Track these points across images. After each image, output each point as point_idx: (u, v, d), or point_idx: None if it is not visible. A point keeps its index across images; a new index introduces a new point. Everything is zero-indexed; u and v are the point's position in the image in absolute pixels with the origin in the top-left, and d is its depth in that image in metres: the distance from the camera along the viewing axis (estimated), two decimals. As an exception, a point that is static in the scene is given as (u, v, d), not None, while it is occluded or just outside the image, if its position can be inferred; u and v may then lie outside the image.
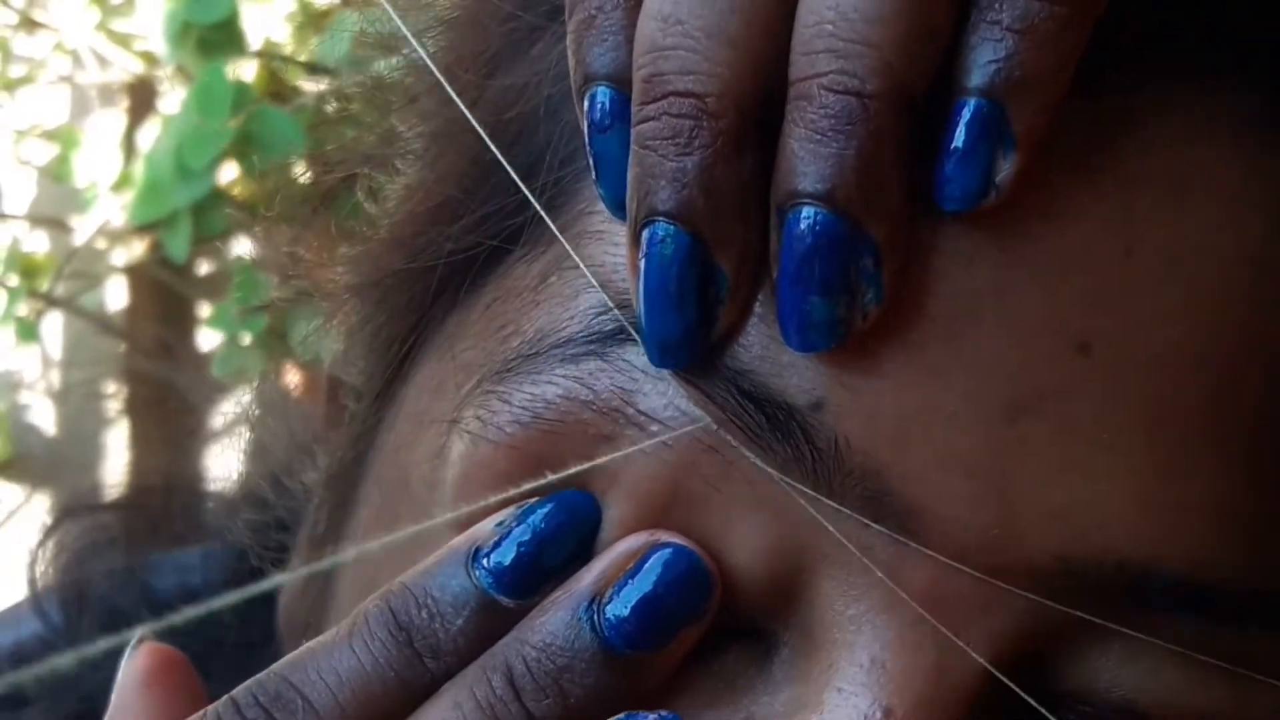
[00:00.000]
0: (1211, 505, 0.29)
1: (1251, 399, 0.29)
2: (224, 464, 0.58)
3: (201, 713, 0.30)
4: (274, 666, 0.30)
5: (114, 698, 0.35)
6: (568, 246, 0.31)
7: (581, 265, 0.31)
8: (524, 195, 0.33)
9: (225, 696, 0.30)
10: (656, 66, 0.27)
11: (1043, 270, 0.28)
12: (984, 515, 0.28)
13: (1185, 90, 0.30)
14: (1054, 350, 0.28)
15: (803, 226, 0.27)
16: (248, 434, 0.59)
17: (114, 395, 1.55)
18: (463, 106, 0.32)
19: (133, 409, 1.51)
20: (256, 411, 0.55)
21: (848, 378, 0.28)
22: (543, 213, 0.31)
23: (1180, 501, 0.29)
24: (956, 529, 0.28)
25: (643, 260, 0.28)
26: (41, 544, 0.54)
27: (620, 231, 0.30)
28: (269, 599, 0.44)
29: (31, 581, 0.53)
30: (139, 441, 1.48)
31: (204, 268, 1.52)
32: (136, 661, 0.35)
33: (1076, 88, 0.28)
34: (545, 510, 0.30)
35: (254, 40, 1.37)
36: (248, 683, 0.30)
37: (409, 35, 0.35)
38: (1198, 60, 0.30)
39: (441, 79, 0.33)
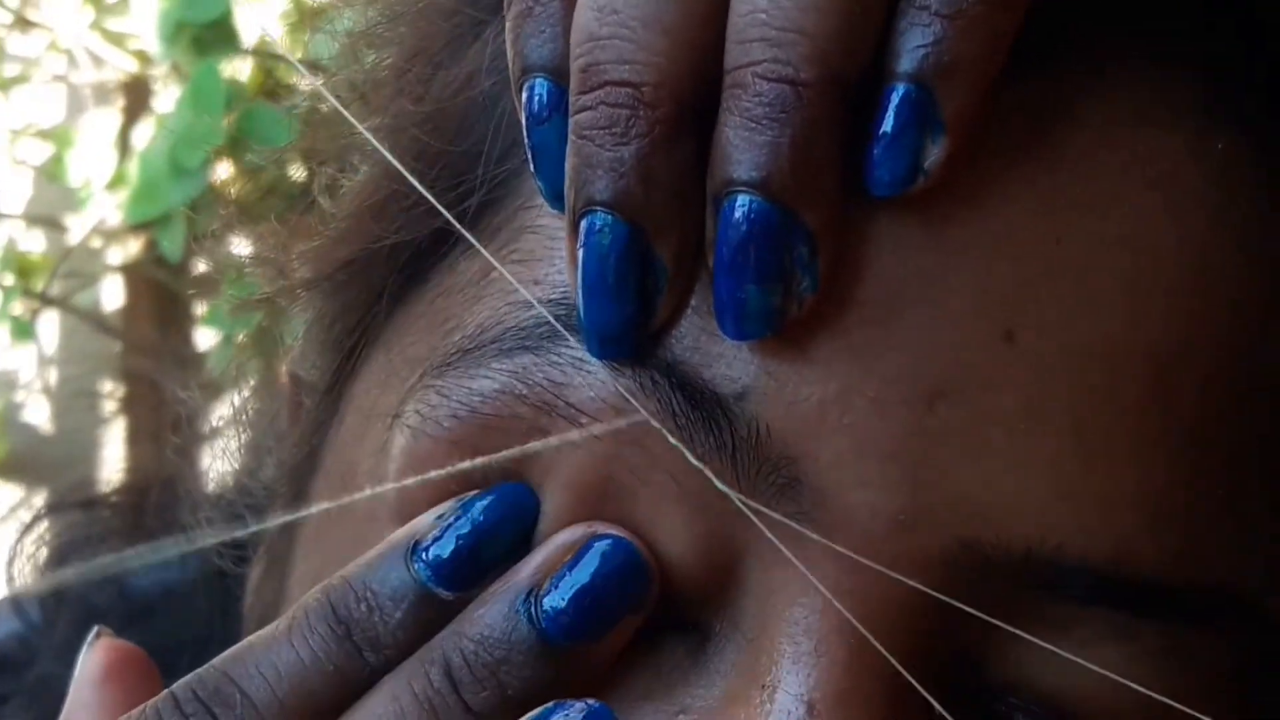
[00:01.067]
0: (1139, 498, 0.29)
1: (1191, 390, 0.29)
2: (214, 463, 0.58)
3: (141, 708, 0.30)
4: (214, 661, 0.30)
5: (71, 692, 0.35)
6: (485, 252, 0.31)
7: (499, 267, 0.31)
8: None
9: (165, 691, 0.30)
10: (593, 56, 0.28)
11: (970, 257, 0.28)
12: (895, 501, 0.28)
13: (1122, 77, 0.30)
14: (978, 338, 0.28)
15: (738, 215, 0.27)
16: (234, 433, 0.60)
17: (110, 394, 1.55)
18: (350, 116, 0.32)
19: (128, 407, 1.52)
20: (245, 411, 0.56)
21: (773, 366, 0.28)
22: (458, 226, 0.31)
23: (1103, 493, 0.28)
24: (866, 515, 0.28)
25: (581, 250, 0.28)
26: (20, 541, 0.55)
27: (559, 226, 0.31)
28: (241, 597, 0.45)
29: (10, 579, 0.54)
30: (134, 440, 1.49)
31: (199, 266, 1.52)
32: (94, 656, 0.35)
33: (1011, 74, 0.28)
34: (484, 503, 0.30)
35: (248, 39, 1.37)
36: (187, 678, 0.30)
37: (295, 62, 0.35)
38: (1136, 47, 0.30)
39: (329, 95, 0.33)
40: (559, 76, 0.29)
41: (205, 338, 1.54)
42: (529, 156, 0.30)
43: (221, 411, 0.59)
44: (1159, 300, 0.29)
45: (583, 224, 0.28)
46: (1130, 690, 0.29)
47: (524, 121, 0.29)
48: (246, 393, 0.58)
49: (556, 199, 0.29)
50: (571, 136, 0.28)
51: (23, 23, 1.52)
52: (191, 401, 0.58)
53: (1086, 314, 0.29)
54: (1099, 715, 0.30)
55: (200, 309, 1.55)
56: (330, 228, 0.37)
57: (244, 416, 0.53)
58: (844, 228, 0.28)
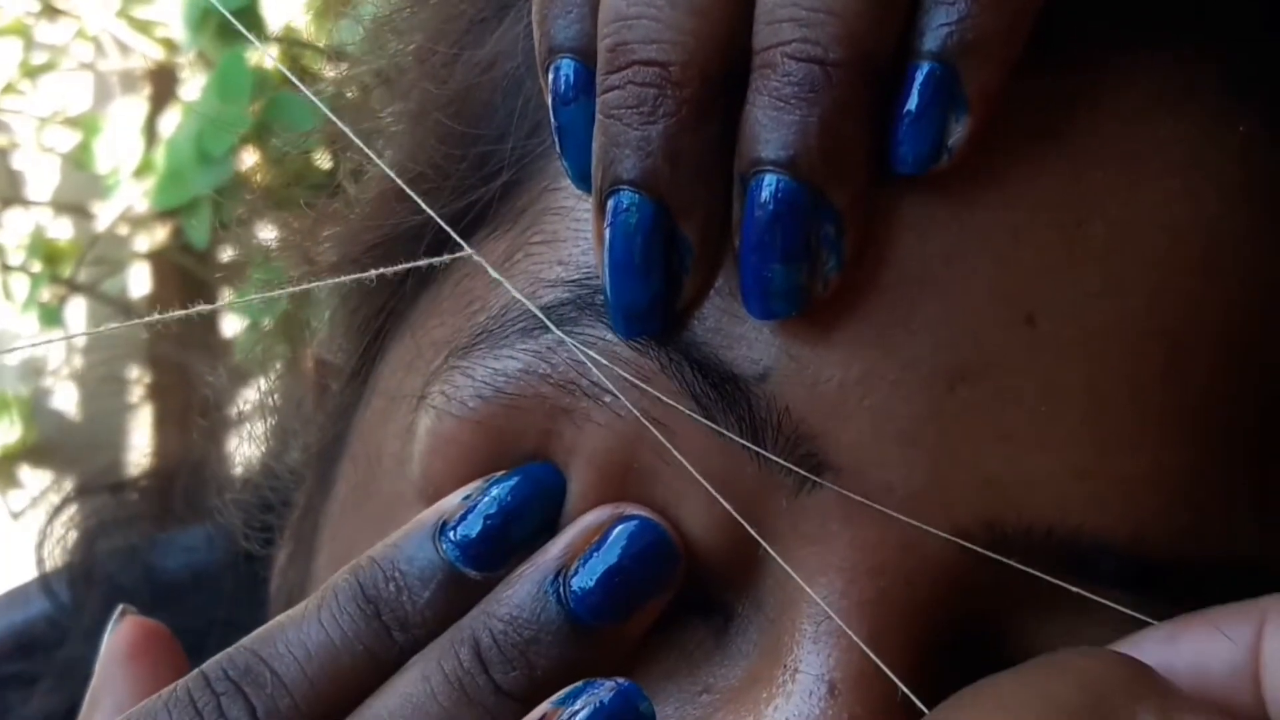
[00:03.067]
0: (1155, 478, 0.29)
1: (1203, 372, 0.29)
2: (242, 448, 0.59)
3: (171, 687, 0.30)
4: (243, 641, 0.30)
5: (97, 670, 0.35)
6: (481, 260, 0.31)
7: (493, 272, 0.31)
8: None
9: (195, 670, 0.30)
10: (621, 36, 0.28)
11: (992, 240, 0.28)
12: (914, 481, 0.28)
13: (1143, 62, 0.30)
14: (999, 320, 0.28)
15: (765, 194, 0.27)
16: (259, 418, 0.60)
17: (136, 380, 1.56)
18: (329, 112, 0.32)
19: (155, 393, 1.52)
20: (271, 396, 0.56)
21: (795, 348, 0.29)
22: (454, 234, 0.31)
23: (1122, 473, 0.29)
24: (886, 494, 0.28)
25: (607, 229, 0.28)
26: (50, 524, 0.55)
27: (584, 208, 0.31)
28: (267, 580, 0.45)
29: (40, 561, 0.54)
30: (161, 425, 1.49)
31: (226, 253, 1.53)
32: (119, 634, 0.35)
33: (1032, 58, 0.28)
34: (511, 483, 0.30)
35: (273, 26, 1.37)
36: (217, 657, 0.30)
37: (268, 52, 0.36)
38: (1156, 32, 0.30)
39: (308, 93, 0.33)
40: (585, 57, 0.29)
41: (231, 324, 1.54)
42: (555, 137, 0.30)
43: (248, 396, 0.59)
44: (1178, 282, 0.29)
45: (609, 203, 0.28)
46: None
47: (550, 102, 0.29)
48: (272, 378, 0.58)
49: (582, 179, 0.30)
50: (599, 116, 0.28)
51: (50, 11, 1.53)
52: (219, 386, 0.59)
53: (1107, 297, 0.29)
54: None
55: (226, 296, 1.56)
56: (355, 212, 0.38)
57: (270, 401, 0.53)
58: (870, 208, 0.28)
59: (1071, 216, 0.29)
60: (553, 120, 0.30)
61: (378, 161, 0.32)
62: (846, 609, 0.28)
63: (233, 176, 1.31)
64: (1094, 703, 0.25)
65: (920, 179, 0.28)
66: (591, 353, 0.29)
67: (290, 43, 1.42)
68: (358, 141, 0.32)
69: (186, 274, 1.56)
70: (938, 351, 0.28)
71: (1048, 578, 0.28)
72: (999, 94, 0.27)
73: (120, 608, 0.36)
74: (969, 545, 0.28)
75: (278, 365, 0.59)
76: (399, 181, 0.31)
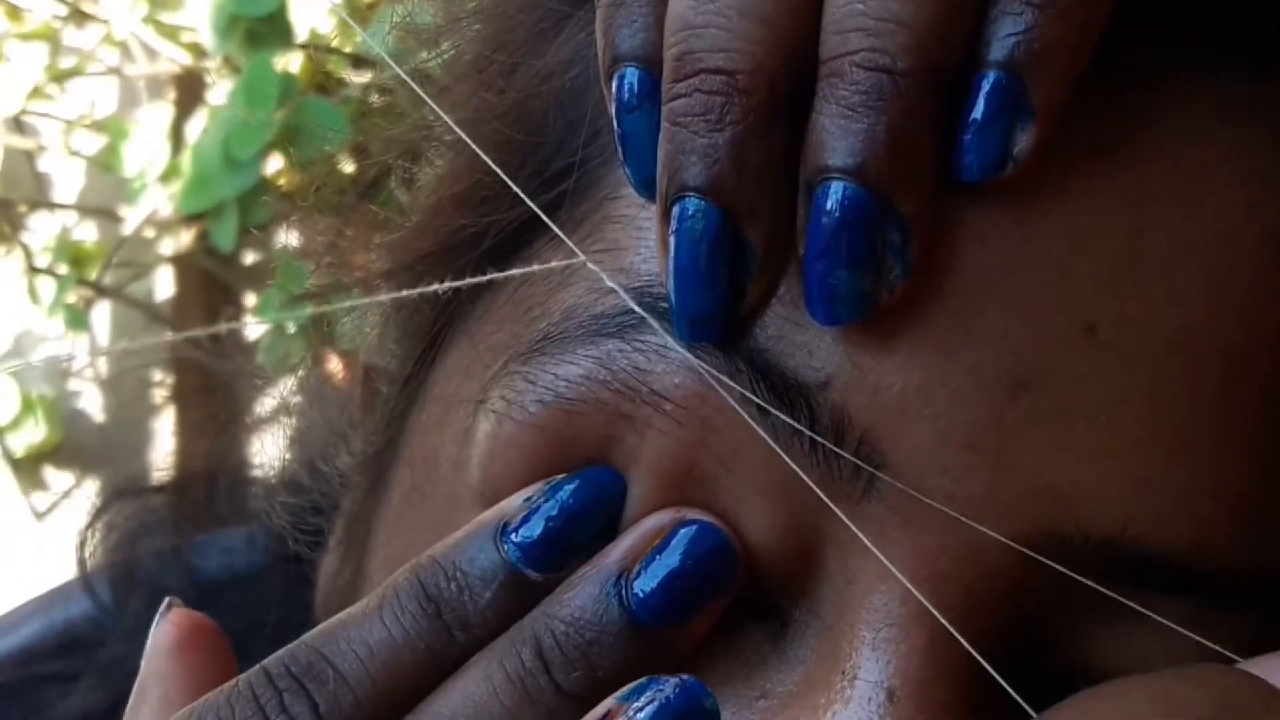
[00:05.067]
0: (1217, 488, 0.29)
1: (1263, 384, 0.29)
2: (268, 449, 0.59)
3: (233, 681, 0.30)
4: (305, 637, 0.30)
5: (144, 664, 0.35)
6: (595, 267, 0.31)
7: (607, 280, 0.31)
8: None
9: (256, 666, 0.30)
10: (688, 44, 0.28)
11: (1054, 249, 0.29)
12: (974, 488, 0.28)
13: (1203, 76, 0.30)
14: (1061, 330, 0.29)
15: (831, 201, 0.27)
16: (290, 420, 0.60)
17: (161, 383, 1.57)
18: (432, 103, 0.33)
19: (179, 396, 1.53)
20: (297, 398, 0.56)
21: (857, 355, 0.29)
22: (543, 215, 0.32)
23: (1182, 484, 0.29)
24: (944, 502, 0.28)
25: (673, 236, 0.29)
26: (91, 525, 0.56)
27: (645, 216, 0.31)
28: (309, 580, 0.45)
29: (81, 561, 0.55)
30: (185, 428, 1.50)
31: (250, 258, 1.54)
32: (166, 627, 0.35)
33: (1097, 69, 0.28)
34: (572, 486, 0.30)
35: (300, 32, 1.38)
36: (279, 653, 0.30)
37: (375, 47, 0.36)
38: (1217, 47, 0.30)
39: (411, 82, 0.34)
40: (650, 66, 0.29)
41: (253, 328, 1.55)
42: (617, 145, 0.30)
43: (285, 398, 0.60)
44: (1238, 294, 0.29)
45: (675, 209, 0.28)
46: None
47: (613, 110, 0.30)
48: (311, 379, 0.59)
49: (644, 186, 0.30)
50: (665, 123, 0.28)
51: (78, 15, 1.54)
52: (258, 388, 0.59)
53: (1168, 307, 0.29)
54: None
55: (250, 300, 1.57)
56: (409, 219, 0.38)
57: (310, 403, 0.54)
58: (936, 216, 0.28)
59: (1133, 227, 0.29)
60: (615, 128, 0.30)
61: (479, 152, 0.32)
62: (905, 616, 0.29)
63: (259, 181, 1.31)
64: (1223, 713, 0.25)
65: (983, 188, 0.28)
66: (701, 363, 0.30)
67: (316, 48, 1.43)
68: (462, 135, 0.32)
69: (210, 278, 1.57)
70: (999, 360, 0.29)
71: (1108, 592, 0.28)
72: (1064, 104, 0.28)
73: (167, 600, 0.37)
74: (1030, 553, 0.28)
75: (317, 367, 0.60)
76: (497, 169, 0.32)
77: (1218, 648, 0.29)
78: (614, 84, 0.30)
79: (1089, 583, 0.28)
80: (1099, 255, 0.29)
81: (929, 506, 0.28)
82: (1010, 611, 0.29)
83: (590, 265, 0.31)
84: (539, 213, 0.32)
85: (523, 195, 0.32)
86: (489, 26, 0.37)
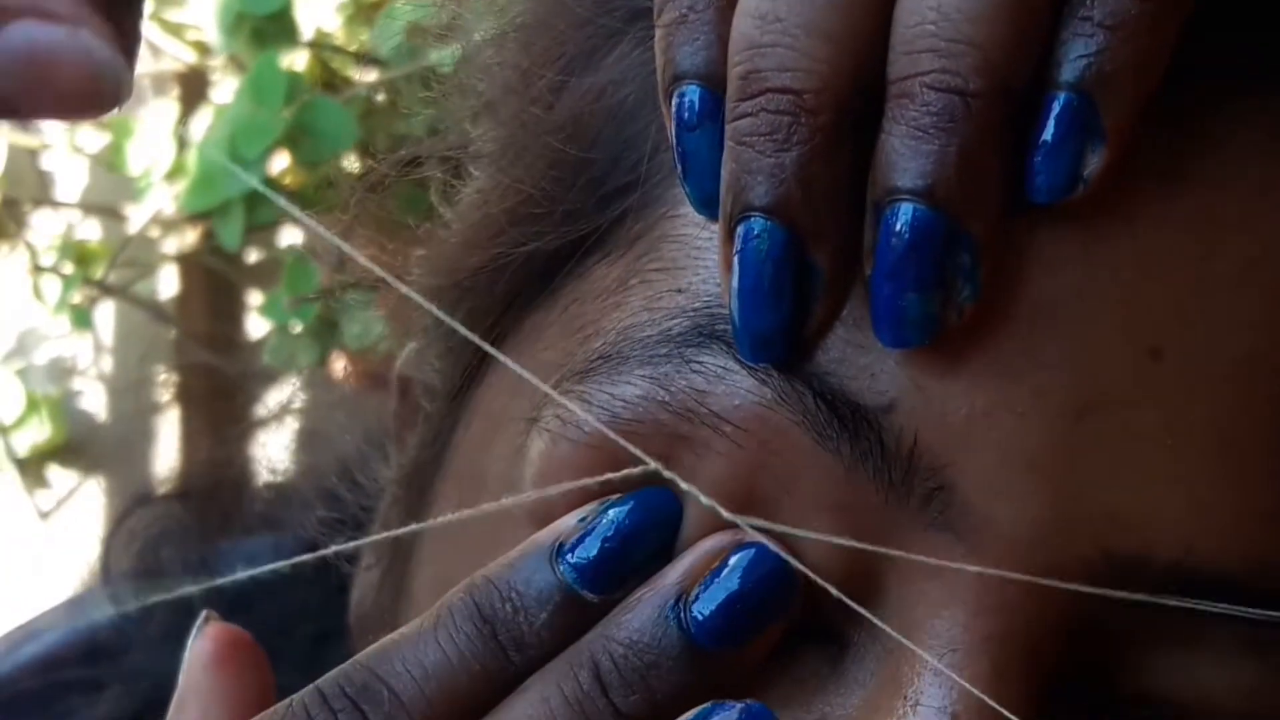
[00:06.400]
0: (1273, 512, 0.29)
1: None
2: (273, 452, 0.59)
3: (287, 702, 0.30)
4: (358, 658, 0.30)
5: (182, 678, 0.35)
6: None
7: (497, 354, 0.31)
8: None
9: (310, 686, 0.30)
10: (754, 63, 0.28)
11: (1121, 273, 0.29)
12: (1039, 511, 0.28)
13: (1266, 101, 0.30)
14: (1126, 353, 0.29)
15: (901, 223, 0.27)
16: (304, 424, 0.60)
17: (165, 382, 1.57)
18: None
19: (184, 396, 1.53)
20: (319, 404, 0.56)
21: (921, 379, 0.29)
22: (488, 347, 0.32)
23: (1244, 507, 0.29)
24: (1009, 525, 0.28)
25: (737, 256, 0.28)
26: (114, 531, 0.55)
27: (703, 236, 0.31)
28: (341, 590, 0.45)
29: (105, 568, 0.54)
30: (190, 429, 1.50)
31: (254, 257, 1.53)
32: (204, 642, 0.35)
33: (1165, 92, 0.28)
34: (628, 507, 0.30)
35: (306, 31, 1.37)
36: (332, 673, 0.30)
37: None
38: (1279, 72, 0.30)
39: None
40: (711, 83, 0.29)
41: (257, 327, 1.55)
42: (677, 163, 0.30)
43: (281, 401, 0.60)
44: None
45: (740, 229, 0.28)
46: (1265, 702, 0.30)
47: (673, 128, 0.30)
48: (338, 386, 0.58)
49: (704, 205, 0.30)
50: (729, 142, 0.28)
51: (83, 13, 1.53)
52: (256, 391, 0.59)
53: (1232, 331, 0.29)
54: None
55: (254, 299, 1.57)
56: (453, 234, 0.38)
57: (336, 413, 0.54)
58: (1006, 238, 0.28)
59: (1199, 250, 0.29)
60: (675, 146, 0.30)
61: (408, 291, 0.31)
62: (969, 644, 0.28)
63: (264, 180, 1.31)
64: None
65: (1051, 212, 0.28)
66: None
67: (323, 47, 1.42)
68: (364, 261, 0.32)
69: (214, 277, 1.57)
70: (1065, 384, 0.28)
71: (1180, 602, 0.28)
72: (1135, 126, 0.28)
73: (204, 613, 0.36)
74: (1101, 591, 0.28)
75: (343, 374, 0.59)
76: (430, 306, 0.31)
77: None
78: (674, 102, 0.29)
79: (1160, 600, 0.28)
80: (1166, 280, 0.29)
81: (994, 528, 0.28)
82: (1072, 638, 0.29)
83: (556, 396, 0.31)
84: (488, 348, 0.32)
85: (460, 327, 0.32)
86: (536, 40, 0.37)
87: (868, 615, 0.29)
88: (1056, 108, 0.27)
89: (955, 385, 0.29)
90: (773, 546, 0.30)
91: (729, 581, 0.29)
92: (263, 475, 0.60)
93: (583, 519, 0.30)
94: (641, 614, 0.29)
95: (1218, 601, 0.29)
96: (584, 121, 0.34)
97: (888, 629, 0.29)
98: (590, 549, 0.30)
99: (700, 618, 0.29)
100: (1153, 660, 0.30)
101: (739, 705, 0.28)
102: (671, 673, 0.29)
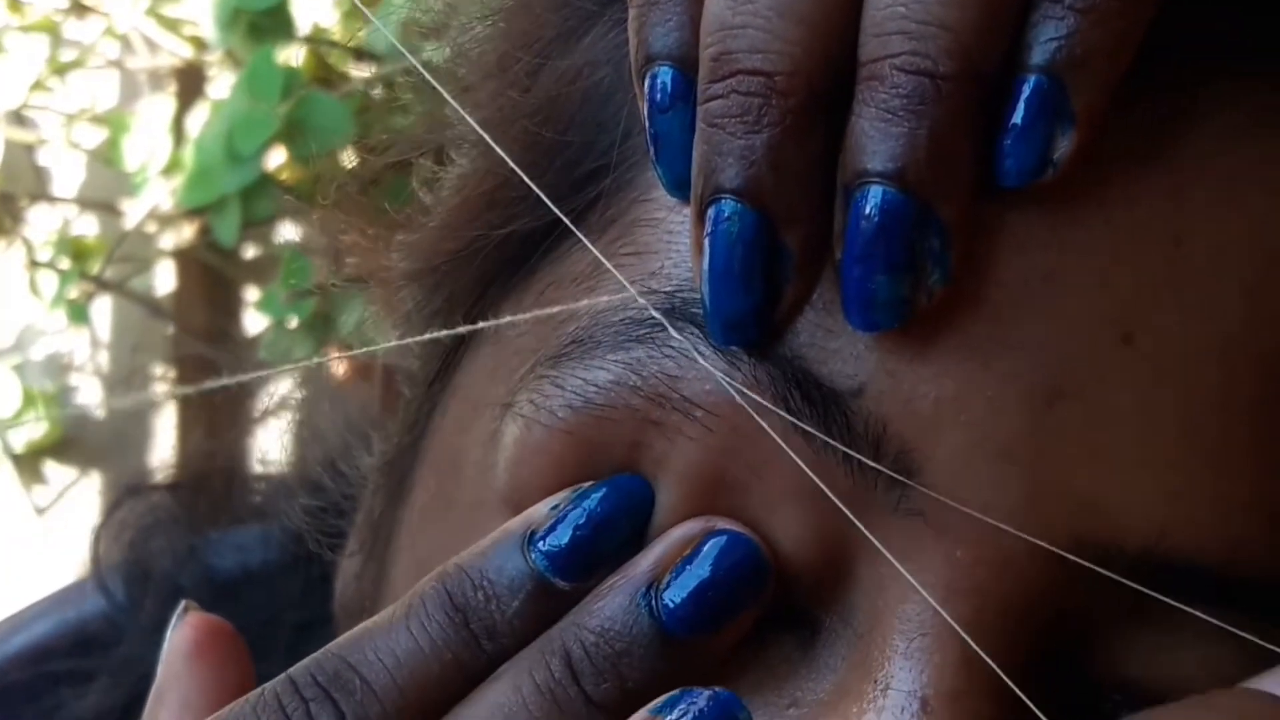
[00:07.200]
0: (1253, 499, 0.29)
1: None
2: (272, 445, 0.59)
3: (259, 690, 0.30)
4: (330, 646, 0.30)
5: (161, 668, 0.35)
6: (600, 255, 0.31)
7: (612, 268, 0.31)
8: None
9: (282, 675, 0.30)
10: (725, 45, 0.28)
11: (1092, 258, 0.28)
12: (1010, 499, 0.28)
13: (1241, 84, 0.30)
14: (1098, 339, 0.28)
15: (871, 206, 0.27)
16: (297, 417, 0.60)
17: (162, 378, 1.56)
18: (456, 104, 0.32)
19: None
20: (310, 396, 0.56)
21: (891, 363, 0.29)
22: (568, 222, 0.32)
23: (1218, 494, 0.29)
24: (979, 510, 0.28)
25: (708, 238, 0.28)
26: (104, 522, 0.55)
27: (675, 220, 0.31)
28: (326, 580, 0.45)
29: (95, 559, 0.54)
30: (186, 424, 1.50)
31: (251, 252, 1.53)
32: (183, 631, 0.35)
33: (1135, 76, 0.28)
34: (600, 494, 0.30)
35: (303, 26, 1.37)
36: (304, 662, 0.30)
37: (396, 42, 0.36)
38: (1254, 54, 0.30)
39: (431, 79, 0.34)
40: (683, 65, 0.29)
41: (254, 322, 1.55)
42: (649, 145, 0.30)
43: (279, 395, 0.60)
44: (1273, 303, 0.29)
45: (710, 211, 0.28)
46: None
47: (645, 110, 0.30)
48: (322, 378, 0.58)
49: (676, 187, 0.30)
50: (700, 124, 0.28)
51: (79, 8, 1.53)
52: (253, 386, 0.59)
53: (1204, 317, 0.29)
54: None
55: (251, 294, 1.57)
56: (432, 219, 0.38)
57: (321, 404, 0.54)
58: (976, 221, 0.28)
59: (1170, 236, 0.29)
60: (648, 128, 0.30)
61: (506, 159, 0.31)
62: (940, 626, 0.28)
63: (261, 175, 1.31)
64: None
65: (1021, 195, 0.28)
66: (716, 370, 0.29)
67: (319, 42, 1.42)
68: (483, 133, 0.32)
69: (211, 272, 1.57)
70: (1035, 368, 0.28)
71: (1153, 594, 0.28)
72: (1105, 109, 0.27)
73: (183, 603, 0.36)
74: (1074, 558, 0.28)
75: (330, 366, 0.59)
76: (523, 175, 0.31)
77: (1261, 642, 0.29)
78: (646, 83, 0.29)
79: (1133, 585, 0.28)
80: (1136, 264, 0.29)
81: (964, 518, 0.28)
82: (1044, 624, 0.29)
83: (622, 280, 0.31)
84: (567, 222, 0.32)
85: (551, 204, 0.32)
86: (514, 24, 0.37)
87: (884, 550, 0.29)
88: (1026, 90, 0.27)
89: (925, 369, 0.28)
90: (746, 533, 0.30)
91: (700, 569, 0.29)
92: (252, 466, 0.60)
93: (554, 506, 0.30)
94: (613, 602, 0.29)
95: (1193, 589, 0.29)
96: (559, 104, 0.34)
97: (895, 562, 0.29)
98: (562, 537, 0.30)
99: (671, 605, 0.29)
100: (1127, 645, 0.30)
101: (707, 692, 0.28)
102: (643, 660, 0.29)
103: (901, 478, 0.28)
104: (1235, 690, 0.27)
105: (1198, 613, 0.28)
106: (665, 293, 0.30)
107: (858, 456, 0.28)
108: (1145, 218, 0.29)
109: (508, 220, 0.34)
